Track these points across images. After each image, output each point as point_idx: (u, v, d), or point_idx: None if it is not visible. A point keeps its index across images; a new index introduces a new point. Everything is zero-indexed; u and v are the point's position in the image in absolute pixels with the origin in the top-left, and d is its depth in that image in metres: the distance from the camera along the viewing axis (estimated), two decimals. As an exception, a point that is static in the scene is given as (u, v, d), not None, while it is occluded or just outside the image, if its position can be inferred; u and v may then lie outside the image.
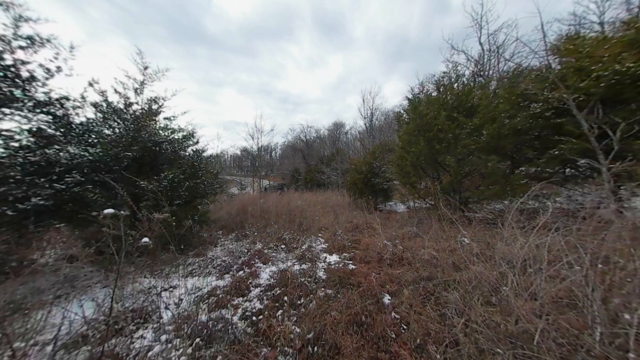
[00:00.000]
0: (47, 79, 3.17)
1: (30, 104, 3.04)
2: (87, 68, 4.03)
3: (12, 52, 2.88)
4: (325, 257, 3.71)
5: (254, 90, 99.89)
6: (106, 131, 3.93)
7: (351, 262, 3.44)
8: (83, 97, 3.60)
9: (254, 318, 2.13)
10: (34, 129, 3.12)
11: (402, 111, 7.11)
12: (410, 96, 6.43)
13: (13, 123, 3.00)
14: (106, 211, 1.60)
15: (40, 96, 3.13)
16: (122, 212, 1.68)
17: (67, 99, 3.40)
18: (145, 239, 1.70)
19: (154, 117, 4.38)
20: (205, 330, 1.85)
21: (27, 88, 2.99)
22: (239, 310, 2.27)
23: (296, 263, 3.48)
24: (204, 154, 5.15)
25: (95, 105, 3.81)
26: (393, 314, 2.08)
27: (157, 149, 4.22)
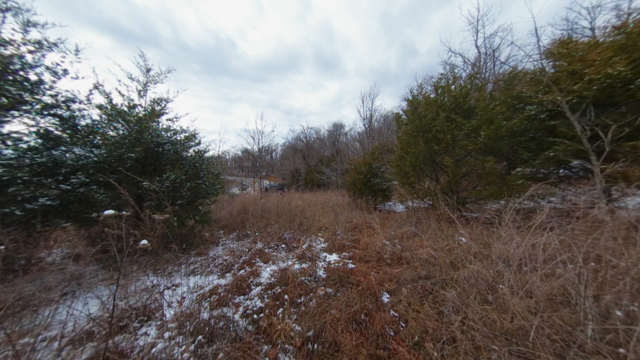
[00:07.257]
0: (53, 82, 3.24)
1: (38, 106, 3.11)
2: (98, 72, 4.09)
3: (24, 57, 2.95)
4: (325, 256, 3.75)
5: (264, 105, 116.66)
6: (110, 132, 3.99)
7: (351, 261, 3.47)
8: (89, 100, 3.67)
9: (255, 316, 2.17)
10: (41, 131, 3.18)
11: (400, 112, 7.14)
12: (410, 97, 6.45)
13: (22, 125, 3.07)
14: (106, 212, 1.60)
15: (48, 99, 3.19)
16: (124, 212, 1.70)
17: (74, 101, 3.47)
18: (144, 241, 1.70)
19: (156, 119, 4.44)
20: (207, 328, 1.88)
21: (36, 91, 3.06)
22: (240, 308, 2.31)
23: (296, 262, 3.51)
24: (206, 155, 5.20)
25: (100, 107, 3.88)
26: (392, 312, 2.11)
27: (160, 150, 4.27)
